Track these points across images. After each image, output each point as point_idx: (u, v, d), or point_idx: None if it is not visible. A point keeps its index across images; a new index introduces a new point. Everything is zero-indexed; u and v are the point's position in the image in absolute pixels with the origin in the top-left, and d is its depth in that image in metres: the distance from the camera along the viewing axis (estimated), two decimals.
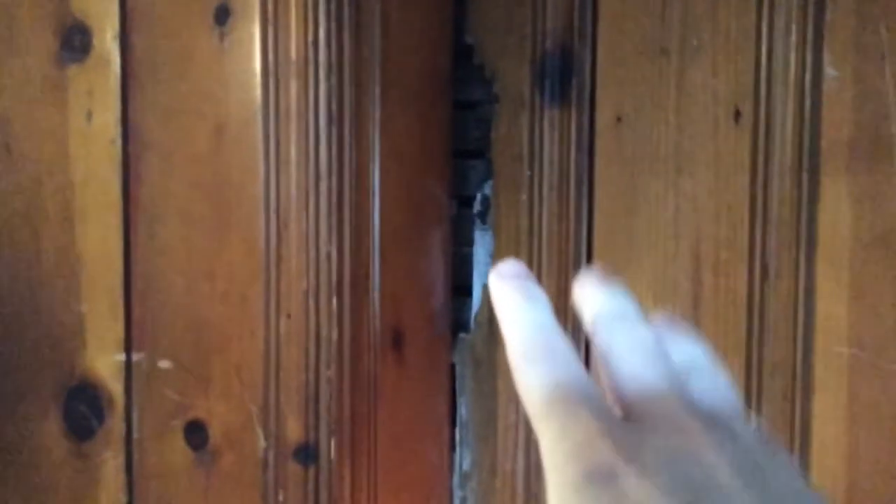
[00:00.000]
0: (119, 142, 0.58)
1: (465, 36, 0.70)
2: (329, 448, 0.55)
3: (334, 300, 0.54)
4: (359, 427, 0.56)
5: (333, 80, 0.54)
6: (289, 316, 0.55)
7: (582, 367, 0.27)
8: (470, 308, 0.71)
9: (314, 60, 0.54)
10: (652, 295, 0.64)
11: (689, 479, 0.23)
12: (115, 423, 0.60)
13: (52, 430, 0.61)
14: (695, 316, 0.63)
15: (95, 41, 0.58)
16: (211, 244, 0.57)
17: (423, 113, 0.65)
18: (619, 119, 0.65)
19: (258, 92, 0.55)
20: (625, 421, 0.26)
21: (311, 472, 0.55)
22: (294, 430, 0.55)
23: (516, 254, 0.68)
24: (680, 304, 0.63)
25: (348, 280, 0.55)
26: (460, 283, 0.71)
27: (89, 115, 0.59)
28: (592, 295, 0.31)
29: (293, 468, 0.56)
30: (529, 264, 0.61)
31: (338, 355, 0.55)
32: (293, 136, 0.54)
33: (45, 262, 0.61)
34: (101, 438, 0.60)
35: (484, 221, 0.70)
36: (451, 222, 0.70)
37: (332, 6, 0.54)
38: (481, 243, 0.70)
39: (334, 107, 0.54)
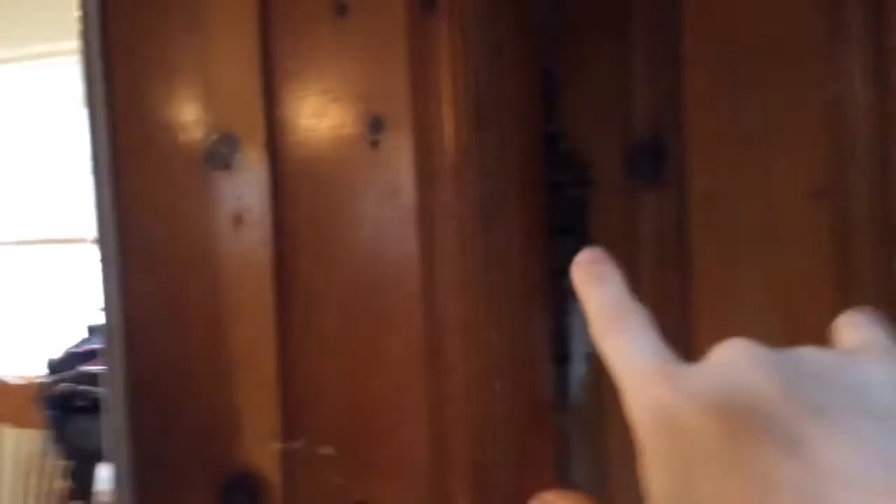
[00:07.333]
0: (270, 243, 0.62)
1: (551, 125, 0.76)
2: None
3: (497, 382, 0.59)
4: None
5: (486, 180, 0.59)
6: (452, 400, 0.59)
7: (655, 334, 0.30)
8: (571, 376, 0.77)
9: (466, 164, 0.59)
10: None
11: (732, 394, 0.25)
12: None
13: None
14: None
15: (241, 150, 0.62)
16: (369, 335, 0.61)
17: (526, 197, 0.71)
18: (711, 199, 0.72)
19: (413, 194, 0.60)
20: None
21: None
22: None
23: None
24: None
25: (507, 362, 0.60)
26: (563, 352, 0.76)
27: (238, 220, 0.63)
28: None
29: None
30: None
31: (504, 434, 0.59)
32: (448, 234, 0.59)
33: (194, 360, 0.64)
34: None
35: None
36: (550, 295, 0.75)
37: (480, 115, 0.60)
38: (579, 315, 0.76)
39: (485, 204, 0.60)
